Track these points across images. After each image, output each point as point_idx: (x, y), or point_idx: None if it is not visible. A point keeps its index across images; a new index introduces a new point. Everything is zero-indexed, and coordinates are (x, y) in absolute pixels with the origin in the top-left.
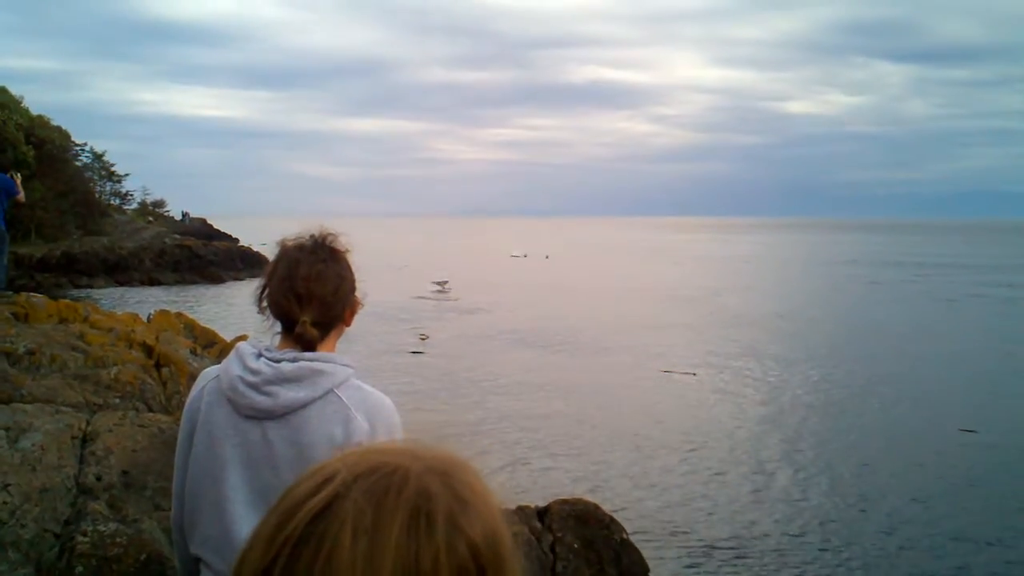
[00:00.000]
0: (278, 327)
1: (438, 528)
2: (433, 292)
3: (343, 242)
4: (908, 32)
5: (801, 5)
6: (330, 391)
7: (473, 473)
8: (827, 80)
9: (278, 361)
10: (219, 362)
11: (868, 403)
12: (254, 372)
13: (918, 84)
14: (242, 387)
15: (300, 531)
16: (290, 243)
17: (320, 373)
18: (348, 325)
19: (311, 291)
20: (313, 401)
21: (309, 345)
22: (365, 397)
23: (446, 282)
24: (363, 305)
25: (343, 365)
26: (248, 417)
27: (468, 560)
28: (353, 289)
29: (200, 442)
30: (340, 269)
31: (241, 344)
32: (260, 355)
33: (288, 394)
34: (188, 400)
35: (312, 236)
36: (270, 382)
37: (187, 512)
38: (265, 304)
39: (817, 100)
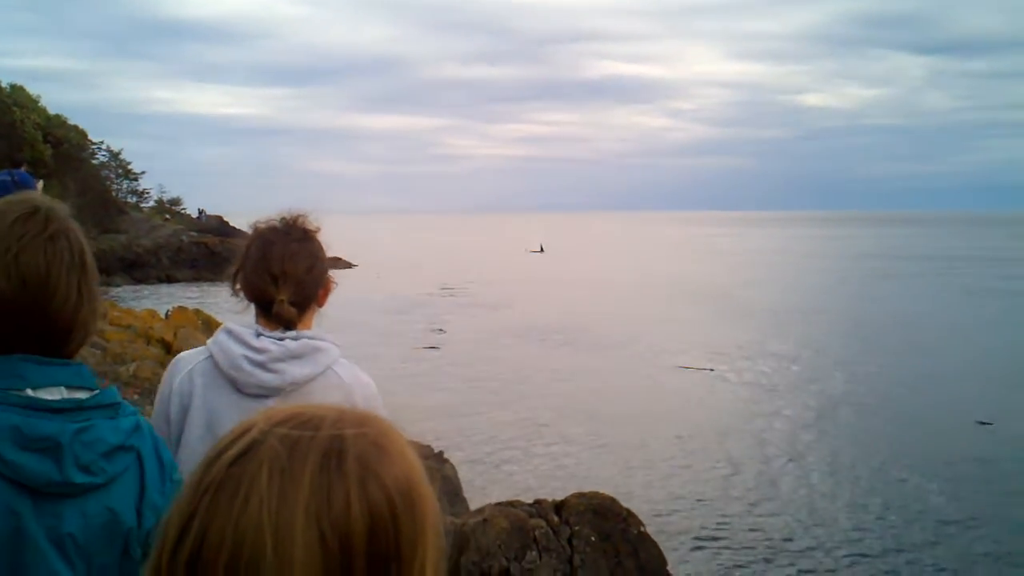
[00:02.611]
0: (252, 310)
1: (350, 468)
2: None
3: (313, 223)
4: (926, 24)
5: None
6: (328, 368)
7: (392, 428)
8: (845, 73)
9: (281, 339)
10: None
11: (886, 395)
12: (259, 351)
13: (937, 76)
14: (248, 366)
15: (221, 475)
16: (263, 225)
17: (319, 350)
18: (321, 306)
19: (286, 271)
20: (315, 377)
21: (288, 324)
22: (356, 375)
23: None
24: (336, 285)
25: (333, 344)
26: (252, 396)
27: (382, 503)
28: (326, 270)
29: (196, 425)
30: (313, 249)
31: (232, 325)
32: (260, 334)
33: (294, 371)
34: (171, 385)
35: (283, 218)
36: (278, 359)
37: None
38: (239, 286)
39: (835, 93)
